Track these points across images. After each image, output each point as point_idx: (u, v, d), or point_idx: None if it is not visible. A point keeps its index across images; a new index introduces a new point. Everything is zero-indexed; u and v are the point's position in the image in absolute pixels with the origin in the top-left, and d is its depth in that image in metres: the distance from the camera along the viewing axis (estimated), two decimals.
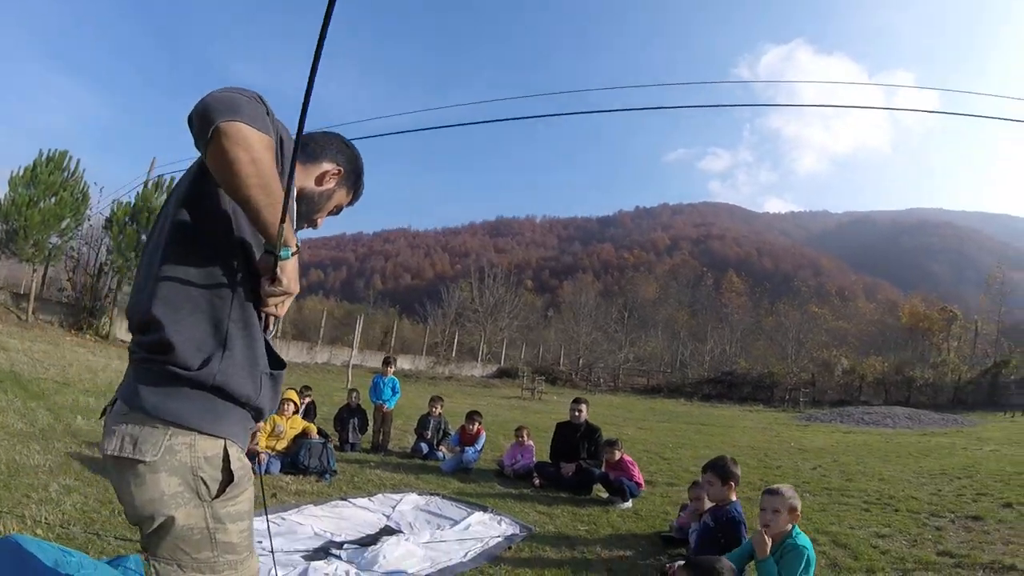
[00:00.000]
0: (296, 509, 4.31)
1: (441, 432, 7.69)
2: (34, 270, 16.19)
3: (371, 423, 7.90)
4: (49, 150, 16.04)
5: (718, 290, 78.31)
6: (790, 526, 3.04)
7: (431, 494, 5.37)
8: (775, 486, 3.17)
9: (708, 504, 4.01)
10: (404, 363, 26.05)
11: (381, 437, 7.69)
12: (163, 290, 1.25)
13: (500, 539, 4.22)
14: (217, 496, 1.28)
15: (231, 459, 1.31)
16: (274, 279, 1.30)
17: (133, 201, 17.79)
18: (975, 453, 10.72)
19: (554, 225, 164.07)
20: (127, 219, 17.05)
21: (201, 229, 1.28)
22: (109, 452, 1.24)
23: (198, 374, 1.25)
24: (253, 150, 1.14)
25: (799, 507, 3.09)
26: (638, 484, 6.14)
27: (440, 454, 7.33)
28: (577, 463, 6.46)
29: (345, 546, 3.63)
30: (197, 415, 1.26)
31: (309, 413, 7.78)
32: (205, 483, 1.27)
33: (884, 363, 31.16)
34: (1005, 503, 5.98)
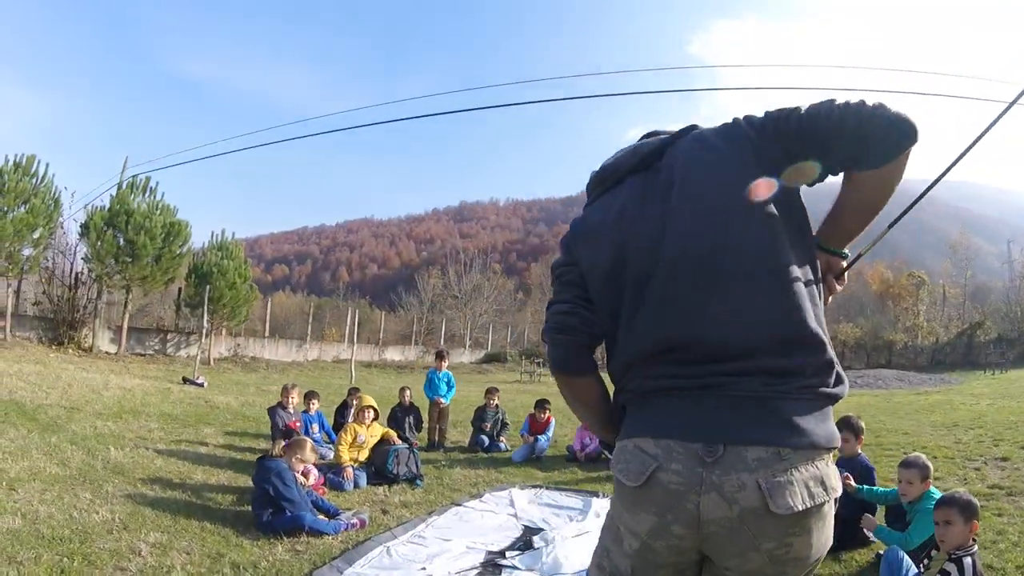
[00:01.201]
0: (423, 523, 3.92)
1: (500, 423, 7.36)
2: (8, 285, 15.03)
3: (426, 420, 7.50)
4: (15, 155, 14.84)
5: None
6: (924, 490, 3.18)
7: (533, 487, 5.15)
8: (910, 456, 3.35)
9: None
10: (394, 354, 25.54)
11: (438, 434, 7.30)
12: (805, 300, 1.11)
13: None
14: None
15: None
16: (839, 278, 1.29)
17: (108, 204, 16.66)
18: (975, 407, 10.95)
19: (518, 207, 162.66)
20: (104, 224, 15.95)
21: (798, 226, 1.19)
22: (799, 508, 1.03)
23: (838, 390, 1.15)
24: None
25: (931, 472, 3.25)
26: None
27: (503, 445, 7.10)
28: None
29: (507, 554, 3.29)
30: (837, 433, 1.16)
31: None
32: None
33: (858, 329, 32.16)
34: (1022, 446, 6.40)
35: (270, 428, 5.90)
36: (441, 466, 5.99)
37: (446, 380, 7.58)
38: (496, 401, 7.55)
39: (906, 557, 2.88)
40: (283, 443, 3.89)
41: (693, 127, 1.30)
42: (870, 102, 1.08)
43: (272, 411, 5.87)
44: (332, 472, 4.77)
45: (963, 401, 12.52)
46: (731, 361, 1.08)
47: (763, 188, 1.15)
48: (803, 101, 1.16)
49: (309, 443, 4.08)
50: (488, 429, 7.25)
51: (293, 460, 3.82)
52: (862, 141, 1.07)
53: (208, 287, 16.93)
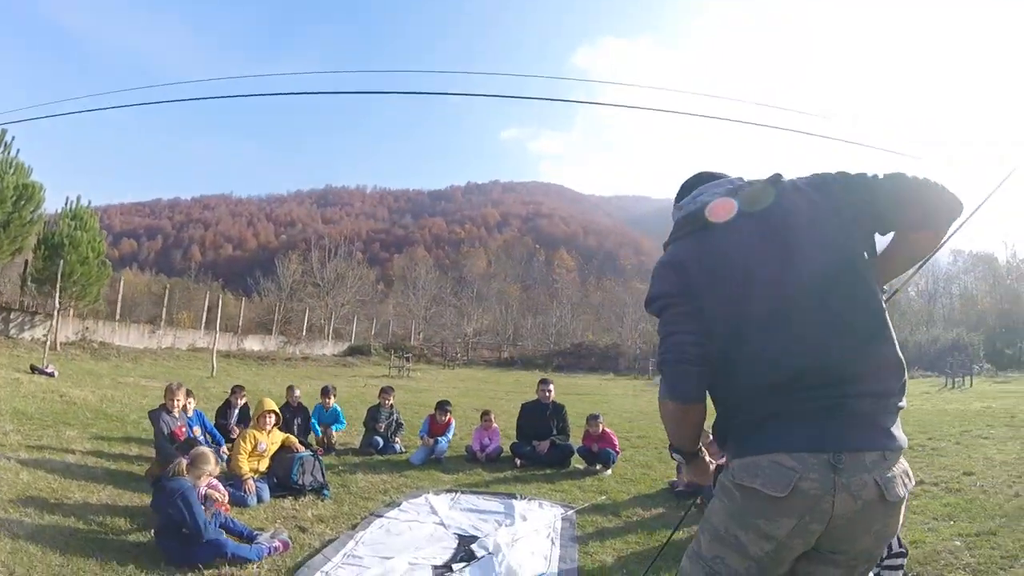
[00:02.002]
0: (351, 540, 3.65)
1: (395, 423, 7.12)
2: None
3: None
4: None
5: (550, 266, 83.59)
6: None
7: (448, 491, 5.09)
8: None
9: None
10: (254, 344, 23.52)
11: (326, 437, 6.86)
12: (893, 334, 1.38)
13: (563, 521, 4.28)
14: None
15: None
16: None
17: None
18: None
19: (385, 197, 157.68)
20: None
21: (872, 276, 1.43)
22: (902, 495, 1.34)
23: (905, 403, 1.40)
24: None
25: None
26: (617, 452, 6.48)
27: (398, 447, 6.90)
28: (551, 440, 6.64)
29: (454, 567, 3.20)
30: None
31: (245, 418, 6.62)
32: None
33: None
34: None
35: (153, 436, 5.07)
36: (341, 472, 5.67)
37: (334, 417, 7.13)
38: (391, 401, 7.32)
39: None
40: (184, 460, 3.36)
41: (779, 175, 1.51)
42: (933, 179, 1.38)
43: (155, 416, 5.04)
44: (230, 485, 4.24)
45: None
46: (847, 385, 1.32)
47: (862, 241, 1.43)
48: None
49: (213, 455, 3.57)
50: (382, 430, 6.98)
51: (200, 478, 3.32)
52: (930, 209, 1.38)
53: (61, 261, 14.32)
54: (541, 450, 6.55)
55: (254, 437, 4.71)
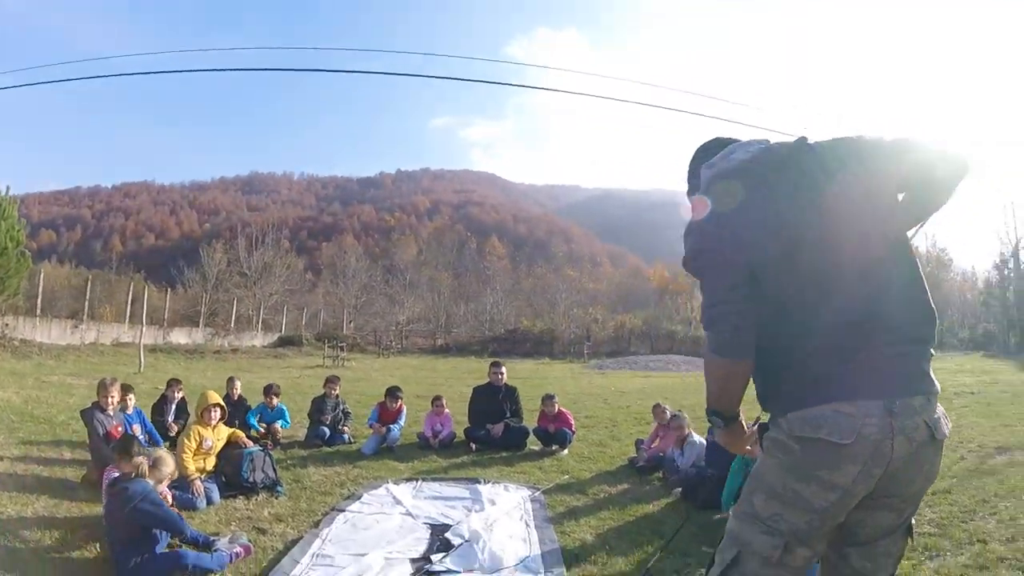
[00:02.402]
0: (317, 539, 3.43)
1: (342, 413, 6.84)
2: None
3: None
4: None
5: (481, 254, 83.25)
6: None
7: (407, 480, 4.94)
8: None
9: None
10: (181, 337, 22.12)
11: (270, 432, 6.48)
12: (925, 283, 1.48)
13: (533, 503, 4.27)
14: None
15: None
16: None
17: None
18: None
19: (312, 183, 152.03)
20: None
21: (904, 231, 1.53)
22: (947, 433, 1.44)
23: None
24: None
25: None
26: (573, 432, 6.55)
27: (346, 436, 6.66)
28: (504, 423, 6.60)
29: (432, 559, 3.08)
30: None
31: (183, 413, 6.11)
32: None
33: (637, 318, 37.17)
34: None
35: (87, 437, 4.57)
36: (290, 466, 5.39)
37: (279, 417, 6.72)
38: (337, 391, 7.06)
39: None
40: (146, 461, 3.01)
41: (805, 138, 1.54)
42: (942, 143, 1.46)
43: (88, 414, 4.54)
44: (175, 487, 3.86)
45: None
46: (893, 334, 1.40)
47: (891, 198, 1.50)
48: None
49: (171, 457, 3.24)
50: (328, 420, 6.67)
51: (161, 482, 3.00)
52: (945, 176, 1.47)
53: None
54: (496, 433, 6.50)
55: (199, 433, 4.34)
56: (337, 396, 6.97)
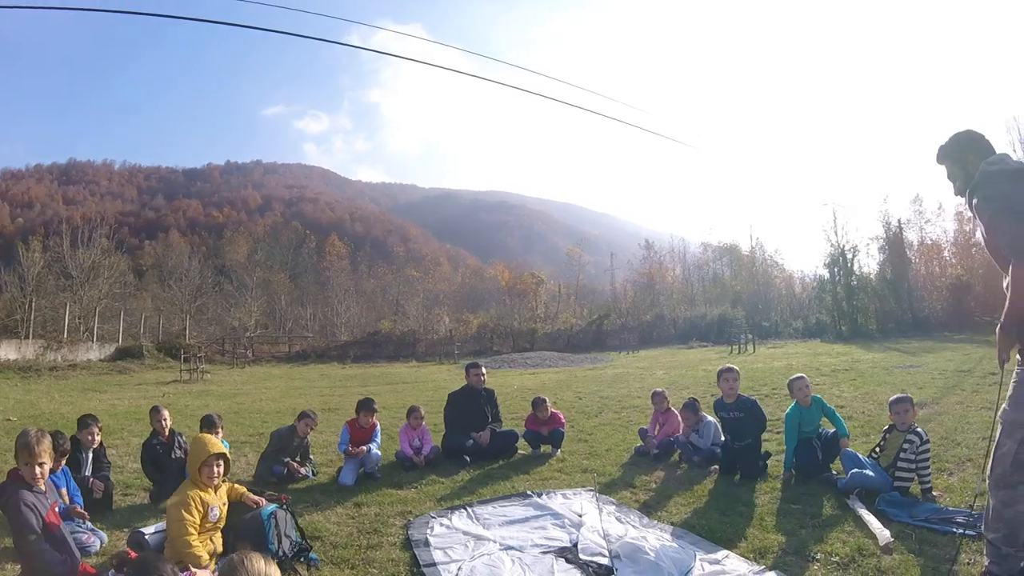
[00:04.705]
0: None
1: (304, 449, 5.83)
2: None
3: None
4: None
5: (320, 253, 78.14)
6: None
7: (451, 510, 4.23)
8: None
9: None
10: (8, 352, 17.87)
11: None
12: None
13: (610, 505, 4.13)
14: None
15: None
16: None
17: None
18: (659, 373, 14.62)
19: (134, 174, 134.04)
20: None
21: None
22: None
23: None
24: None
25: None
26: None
27: (310, 472, 5.64)
28: (490, 428, 6.22)
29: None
30: None
31: (101, 462, 4.69)
32: None
33: (486, 317, 37.33)
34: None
35: (13, 534, 2.96)
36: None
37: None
38: (311, 429, 5.89)
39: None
40: None
41: None
42: None
43: (11, 498, 2.89)
44: None
45: (643, 368, 16.29)
46: None
47: None
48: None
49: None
50: (286, 459, 5.52)
51: None
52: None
53: None
54: (483, 441, 6.04)
55: (200, 501, 3.19)
56: (306, 435, 5.78)
